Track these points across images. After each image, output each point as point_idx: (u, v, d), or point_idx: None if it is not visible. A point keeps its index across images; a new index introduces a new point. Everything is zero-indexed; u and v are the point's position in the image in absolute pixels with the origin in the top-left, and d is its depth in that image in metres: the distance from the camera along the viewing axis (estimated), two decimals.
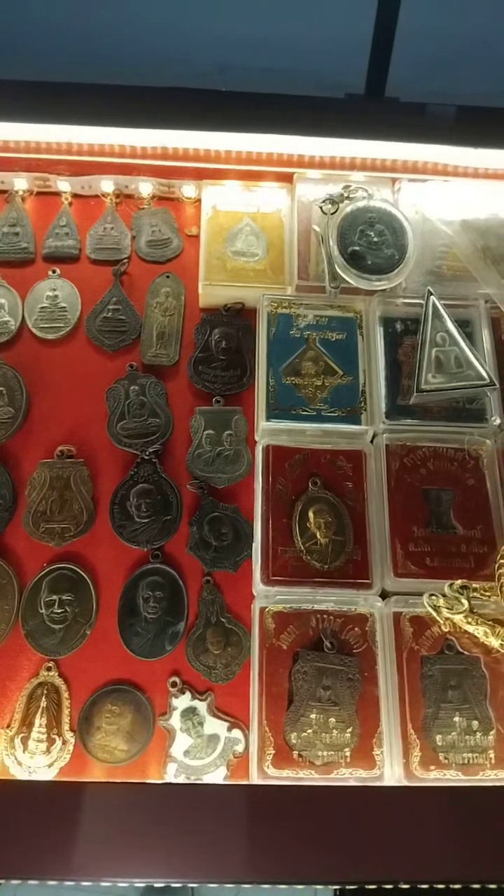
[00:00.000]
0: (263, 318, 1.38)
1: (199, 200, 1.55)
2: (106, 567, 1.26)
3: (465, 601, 1.15)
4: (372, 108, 1.70)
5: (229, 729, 1.16)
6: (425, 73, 1.63)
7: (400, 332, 1.39)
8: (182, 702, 1.17)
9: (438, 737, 1.10)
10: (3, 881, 1.01)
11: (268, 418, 1.30)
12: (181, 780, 1.12)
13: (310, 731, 1.11)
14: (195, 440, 1.34)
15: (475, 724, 1.11)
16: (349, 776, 1.09)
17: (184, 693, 1.18)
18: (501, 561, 1.18)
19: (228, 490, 1.32)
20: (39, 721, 1.15)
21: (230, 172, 1.54)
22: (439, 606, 1.16)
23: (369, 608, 1.19)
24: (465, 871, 0.99)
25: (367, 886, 1.00)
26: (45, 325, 1.43)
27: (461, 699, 1.13)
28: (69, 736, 1.15)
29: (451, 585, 1.17)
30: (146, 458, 1.31)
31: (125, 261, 1.50)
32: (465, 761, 1.09)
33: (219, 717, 1.17)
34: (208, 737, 1.15)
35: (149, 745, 1.15)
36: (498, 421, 1.31)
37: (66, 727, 1.15)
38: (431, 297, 1.36)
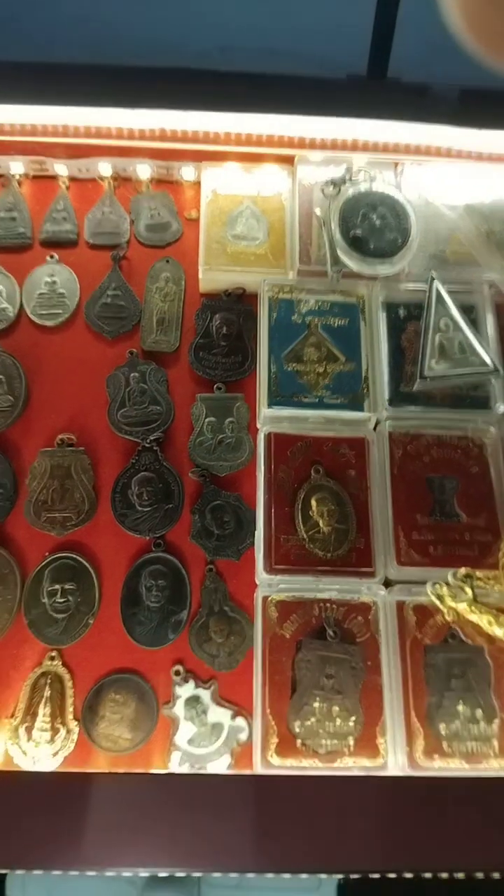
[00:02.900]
0: (265, 304, 1.37)
1: (198, 183, 1.52)
2: (108, 556, 1.26)
3: (468, 590, 1.14)
4: (374, 88, 1.67)
5: (233, 717, 1.16)
6: (428, 53, 1.59)
7: (403, 317, 1.37)
8: (186, 690, 1.17)
9: (442, 725, 1.11)
10: (8, 871, 1.01)
11: (269, 405, 1.29)
12: (185, 768, 1.12)
13: (313, 719, 1.11)
14: (196, 427, 1.33)
15: (479, 712, 1.11)
16: (353, 765, 1.09)
17: (187, 681, 1.18)
18: None
19: (230, 478, 1.31)
20: (43, 711, 1.15)
21: (230, 154, 1.51)
22: (443, 595, 1.15)
23: (372, 597, 1.19)
24: (470, 860, 1.00)
25: (370, 876, 1.00)
26: (44, 312, 1.41)
27: (465, 688, 1.13)
28: (73, 725, 1.15)
29: (454, 574, 1.16)
30: (147, 445, 1.30)
31: (124, 245, 1.48)
32: (469, 750, 1.09)
33: (222, 706, 1.17)
34: (212, 725, 1.15)
35: (153, 734, 1.15)
36: (502, 408, 1.30)
37: (70, 716, 1.15)
38: (435, 282, 1.35)
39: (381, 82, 1.64)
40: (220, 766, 1.13)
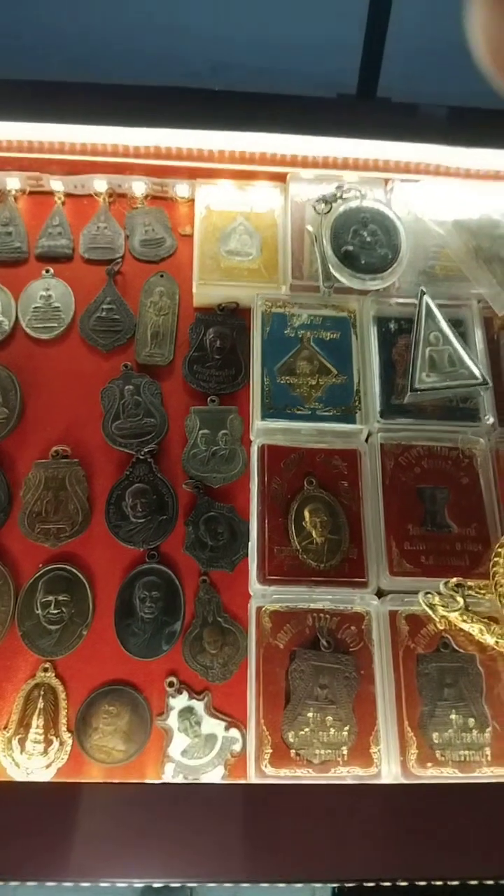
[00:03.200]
0: (258, 318, 1.39)
1: (192, 200, 1.54)
2: (102, 567, 1.26)
3: (460, 599, 1.15)
4: (364, 107, 1.70)
5: (227, 728, 1.16)
6: (417, 72, 1.63)
7: (394, 331, 1.39)
8: (179, 701, 1.17)
9: (435, 734, 1.11)
10: (1, 882, 1.01)
11: (263, 417, 1.31)
12: (179, 779, 1.12)
13: (307, 729, 1.12)
14: (190, 440, 1.34)
15: (471, 721, 1.12)
16: (346, 774, 1.09)
17: (181, 693, 1.18)
18: (496, 559, 1.19)
19: (224, 489, 1.32)
20: (37, 722, 1.15)
21: (223, 172, 1.54)
22: (435, 604, 1.16)
23: (365, 607, 1.20)
24: (462, 867, 1.00)
25: (365, 884, 1.00)
26: (39, 325, 1.42)
27: (457, 697, 1.13)
28: (66, 737, 1.14)
29: (446, 583, 1.18)
30: (141, 457, 1.31)
31: (119, 260, 1.50)
32: (462, 758, 1.10)
33: (216, 717, 1.17)
34: (206, 736, 1.15)
35: (146, 746, 1.15)
36: (491, 419, 1.32)
37: (64, 728, 1.15)
38: (424, 296, 1.37)
39: (371, 102, 1.67)
40: (213, 777, 1.13)
